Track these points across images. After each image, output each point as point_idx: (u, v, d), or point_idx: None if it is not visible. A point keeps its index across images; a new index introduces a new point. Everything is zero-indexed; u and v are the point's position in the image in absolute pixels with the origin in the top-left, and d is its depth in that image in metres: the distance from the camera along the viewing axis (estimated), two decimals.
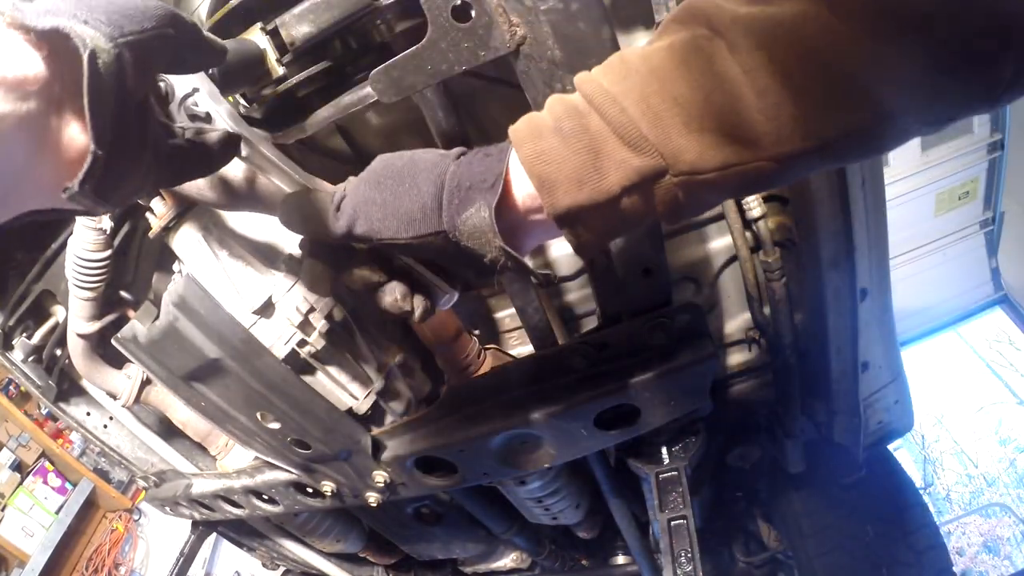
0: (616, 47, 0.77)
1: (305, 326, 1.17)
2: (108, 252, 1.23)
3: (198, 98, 0.76)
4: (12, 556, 4.79)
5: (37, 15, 0.49)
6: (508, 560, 2.51)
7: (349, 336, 1.24)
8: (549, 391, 1.23)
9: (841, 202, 1.18)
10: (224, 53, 0.71)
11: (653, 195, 0.60)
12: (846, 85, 0.51)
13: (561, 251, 1.37)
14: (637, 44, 1.05)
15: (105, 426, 1.77)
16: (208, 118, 0.74)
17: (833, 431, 1.63)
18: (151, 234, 1.16)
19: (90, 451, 5.28)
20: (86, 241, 1.21)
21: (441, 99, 0.97)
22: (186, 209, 1.14)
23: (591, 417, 1.23)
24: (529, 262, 0.68)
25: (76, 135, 0.53)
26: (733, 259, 1.43)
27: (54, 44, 0.50)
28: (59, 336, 1.52)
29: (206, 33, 0.67)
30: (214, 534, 2.26)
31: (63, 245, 1.34)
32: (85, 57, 0.48)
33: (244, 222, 1.20)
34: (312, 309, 1.17)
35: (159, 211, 1.13)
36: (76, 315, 1.34)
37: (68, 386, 1.68)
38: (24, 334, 1.52)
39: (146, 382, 1.50)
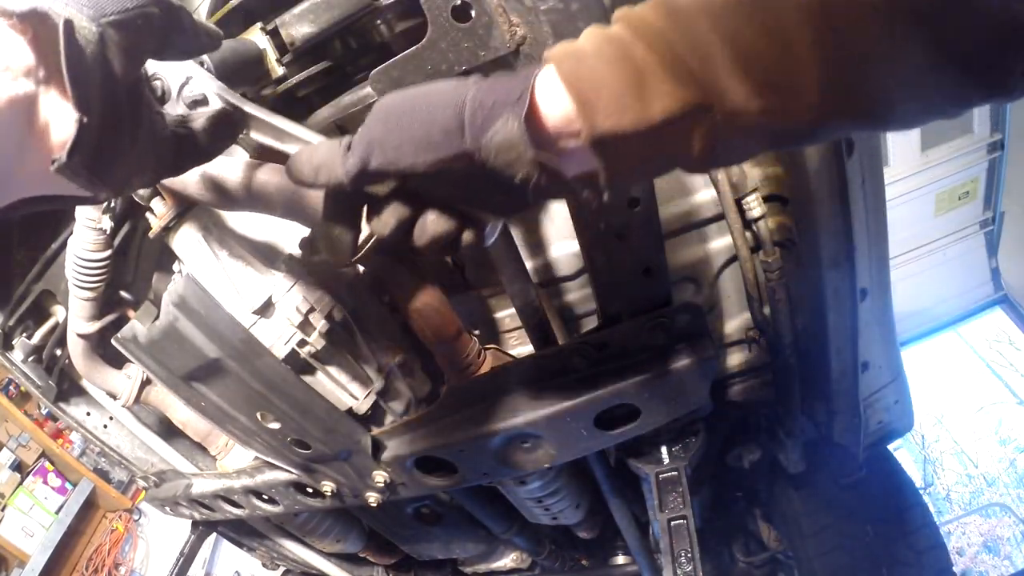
0: None
1: (305, 326, 1.17)
2: (108, 252, 1.23)
3: (192, 85, 0.75)
4: (12, 556, 4.79)
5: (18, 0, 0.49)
6: (508, 560, 2.51)
7: (349, 336, 1.24)
8: (549, 391, 1.23)
9: (841, 202, 1.18)
10: (219, 38, 0.69)
11: (692, 133, 0.58)
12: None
13: (561, 251, 1.37)
14: None
15: (105, 426, 1.77)
16: (205, 100, 0.74)
17: (833, 431, 1.63)
18: (151, 234, 1.16)
19: (90, 451, 5.27)
20: (86, 241, 1.21)
21: None
22: (186, 209, 1.14)
23: (591, 417, 1.23)
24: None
25: (66, 115, 0.52)
26: (733, 259, 1.43)
27: (36, 27, 0.50)
28: (59, 336, 1.52)
29: (197, 19, 0.66)
30: (214, 534, 2.26)
31: (63, 245, 1.34)
32: (60, 26, 0.48)
33: (244, 222, 1.20)
34: (312, 309, 1.17)
35: (159, 211, 1.13)
36: (76, 315, 1.34)
37: (68, 386, 1.68)
38: (24, 334, 1.52)
39: (146, 382, 1.50)
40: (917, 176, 5.32)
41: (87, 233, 1.20)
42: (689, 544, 1.42)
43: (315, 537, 2.13)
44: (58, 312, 1.53)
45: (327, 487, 1.44)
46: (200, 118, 0.69)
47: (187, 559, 2.24)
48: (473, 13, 0.75)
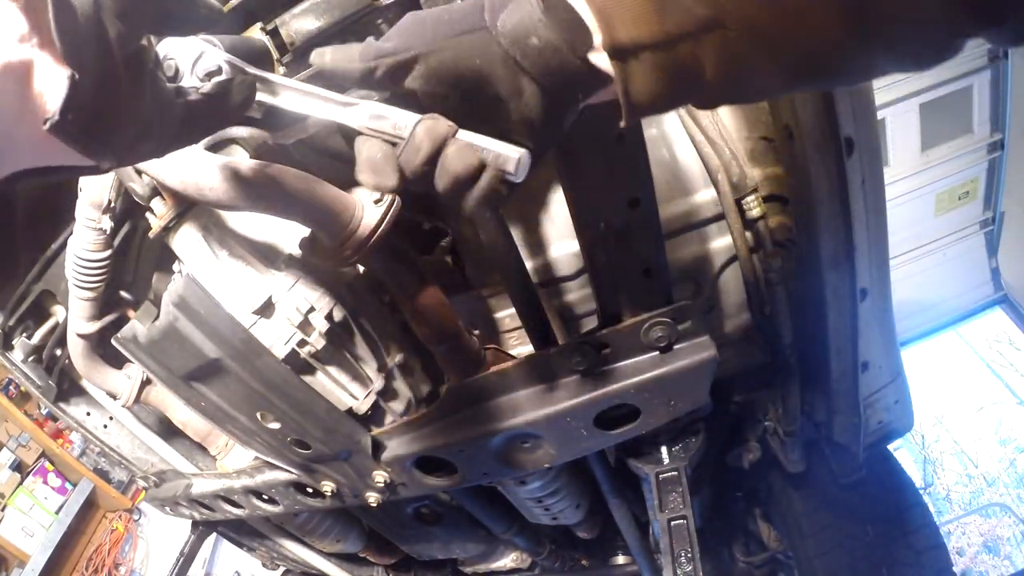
0: None
1: (305, 326, 1.17)
2: (108, 252, 1.23)
3: (205, 59, 0.75)
4: (12, 556, 4.79)
5: None
6: (508, 560, 2.51)
7: (349, 336, 1.24)
8: (549, 391, 1.23)
9: (841, 202, 1.18)
10: (219, 13, 0.68)
11: (706, 51, 0.59)
12: None
13: (561, 251, 1.37)
14: None
15: (105, 426, 1.77)
16: (219, 70, 0.74)
17: (833, 431, 1.63)
18: (151, 234, 1.16)
19: (90, 451, 5.27)
20: (86, 241, 1.21)
21: None
22: (186, 209, 1.14)
23: (591, 417, 1.23)
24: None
25: (60, 79, 0.51)
26: (733, 259, 1.43)
27: None
28: (59, 336, 1.52)
29: None
30: (214, 534, 2.27)
31: (63, 245, 1.34)
32: None
33: (244, 222, 1.20)
34: (312, 309, 1.17)
35: (159, 211, 1.13)
36: (76, 315, 1.34)
37: (68, 386, 1.68)
38: (24, 334, 1.52)
39: (146, 382, 1.50)
40: (917, 176, 5.32)
41: (87, 233, 1.20)
42: (689, 544, 1.42)
43: (315, 537, 2.13)
44: (58, 312, 1.53)
45: (327, 487, 1.44)
46: (210, 84, 0.68)
47: (187, 559, 2.24)
48: None
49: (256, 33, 0.89)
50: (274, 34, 0.89)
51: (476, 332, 1.43)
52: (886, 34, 0.58)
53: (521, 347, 1.43)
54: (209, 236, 1.15)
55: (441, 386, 1.28)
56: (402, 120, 0.68)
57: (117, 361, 1.46)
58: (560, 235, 1.36)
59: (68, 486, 5.24)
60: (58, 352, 1.56)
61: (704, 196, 1.36)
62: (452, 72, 0.65)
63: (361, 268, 1.28)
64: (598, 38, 0.60)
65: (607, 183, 0.96)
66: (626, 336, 1.17)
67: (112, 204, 1.18)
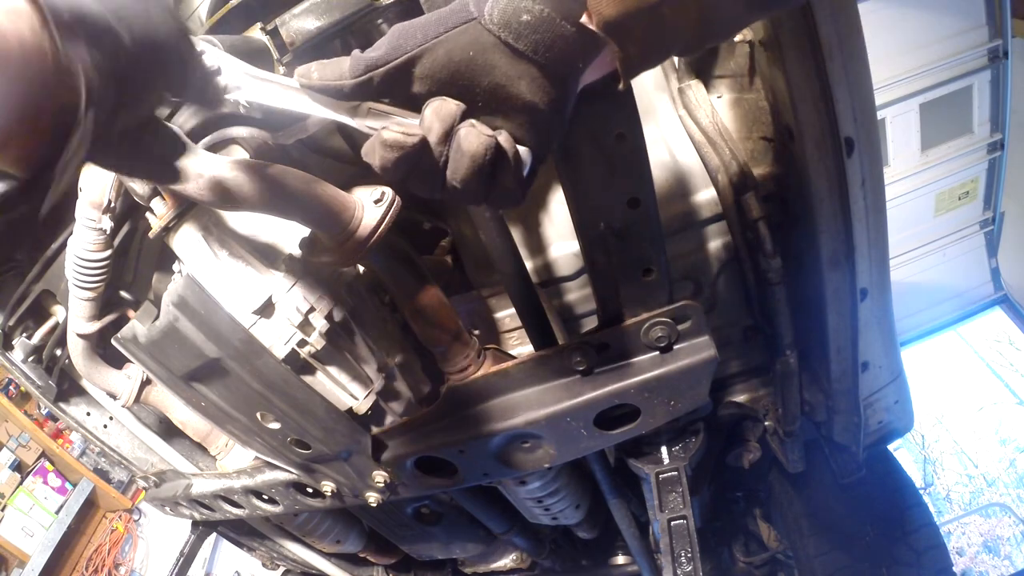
0: None
1: (305, 326, 1.17)
2: (108, 252, 1.23)
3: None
4: (12, 556, 4.79)
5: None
6: (508, 560, 2.51)
7: (349, 336, 1.24)
8: (549, 391, 1.23)
9: (841, 202, 1.18)
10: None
11: (688, 6, 0.60)
12: None
13: (561, 251, 1.37)
14: None
15: (105, 426, 1.77)
16: (219, 71, 0.73)
17: (833, 431, 1.63)
18: (151, 234, 1.16)
19: (90, 451, 5.28)
20: (86, 241, 1.21)
21: None
22: (186, 209, 1.14)
23: (591, 417, 1.23)
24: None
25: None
26: (733, 259, 1.43)
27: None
28: (59, 336, 1.52)
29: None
30: (214, 534, 2.27)
31: (63, 245, 1.34)
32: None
33: (244, 222, 1.20)
34: (312, 309, 1.17)
35: (159, 211, 1.13)
36: (76, 315, 1.34)
37: (68, 386, 1.68)
38: (24, 334, 1.52)
39: (146, 382, 1.50)
40: (917, 176, 5.32)
41: (87, 233, 1.20)
42: (689, 544, 1.42)
43: (315, 537, 2.13)
44: (58, 312, 1.52)
45: (327, 487, 1.44)
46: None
47: (187, 559, 2.24)
48: None
49: (256, 33, 0.89)
50: (274, 34, 0.89)
51: (476, 332, 1.43)
52: None
53: (521, 347, 1.43)
54: (209, 236, 1.15)
55: (441, 386, 1.28)
56: (404, 119, 0.68)
57: (117, 361, 1.46)
58: (560, 235, 1.36)
59: (68, 486, 5.24)
60: (58, 352, 1.56)
61: (704, 196, 1.36)
62: (447, 68, 0.64)
63: (361, 268, 1.28)
64: (588, 13, 0.60)
65: (607, 183, 0.96)
66: (626, 336, 1.17)
67: (112, 204, 1.18)
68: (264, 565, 2.55)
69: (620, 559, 2.53)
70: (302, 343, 1.18)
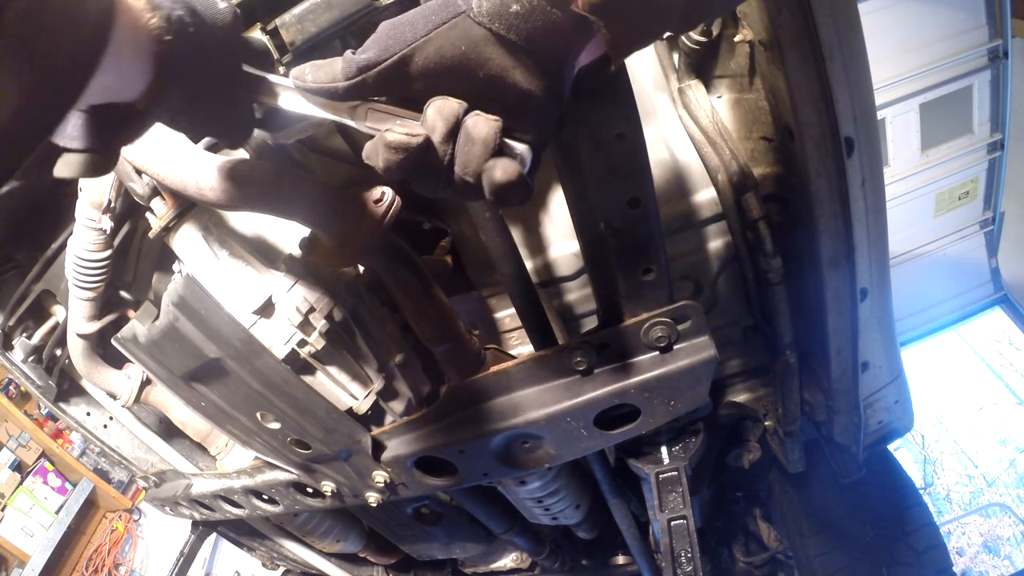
0: None
1: (305, 326, 1.17)
2: (108, 252, 1.23)
3: None
4: (12, 556, 4.80)
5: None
6: (508, 560, 2.51)
7: (349, 336, 1.24)
8: (549, 391, 1.23)
9: (841, 202, 1.18)
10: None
11: None
12: None
13: (561, 251, 1.37)
14: None
15: (105, 426, 1.77)
16: None
17: (833, 431, 1.63)
18: (151, 234, 1.16)
19: (90, 451, 5.28)
20: (86, 241, 1.21)
21: None
22: (186, 209, 1.14)
23: (591, 417, 1.23)
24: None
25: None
26: (733, 259, 1.43)
27: None
28: (59, 336, 1.52)
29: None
30: (214, 534, 2.27)
31: (63, 245, 1.34)
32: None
33: (244, 222, 1.20)
34: (312, 309, 1.17)
35: (159, 211, 1.13)
36: (76, 315, 1.34)
37: (68, 386, 1.68)
38: (24, 334, 1.52)
39: (146, 382, 1.50)
40: (917, 176, 5.32)
41: (87, 233, 1.20)
42: (689, 544, 1.42)
43: (315, 537, 2.13)
44: (58, 312, 1.53)
45: (327, 487, 1.44)
46: None
47: (187, 559, 2.24)
48: None
49: (256, 33, 0.89)
50: (274, 34, 0.89)
51: (476, 332, 1.43)
52: None
53: (521, 347, 1.44)
54: (209, 236, 1.15)
55: (441, 386, 1.28)
56: (404, 117, 0.68)
57: (117, 361, 1.46)
58: (560, 235, 1.36)
59: (68, 486, 5.24)
60: (58, 352, 1.56)
61: (704, 196, 1.36)
62: (440, 65, 0.64)
63: (361, 268, 1.28)
64: None
65: (607, 183, 0.96)
66: (626, 336, 1.17)
67: (112, 204, 1.18)
68: (264, 565, 2.55)
69: (620, 559, 2.53)
70: (302, 343, 1.18)
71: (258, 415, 1.25)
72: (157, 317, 1.10)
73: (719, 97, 1.40)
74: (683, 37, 1.28)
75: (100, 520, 5.54)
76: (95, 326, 1.35)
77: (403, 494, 1.47)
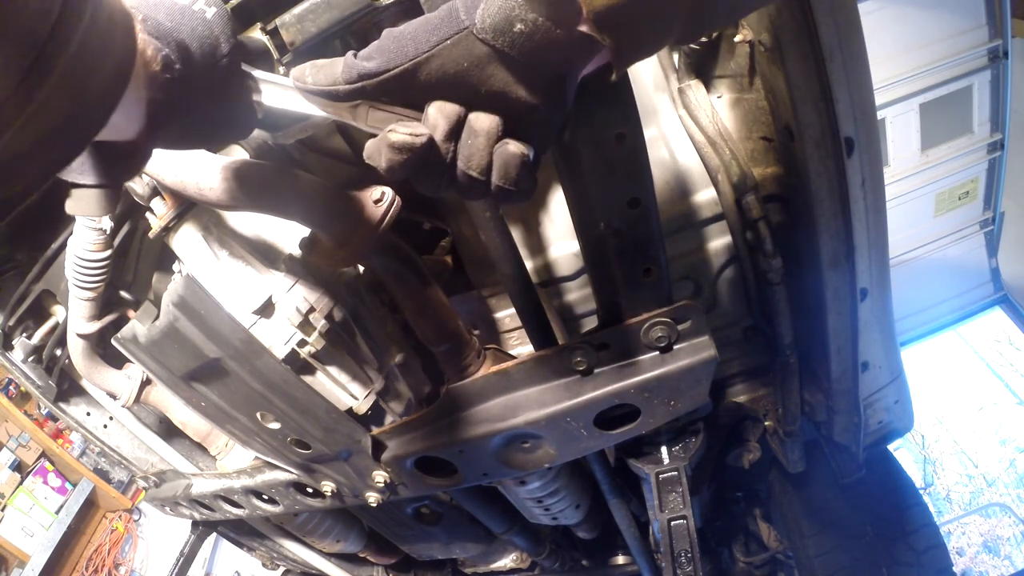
0: None
1: (305, 326, 1.17)
2: (108, 252, 1.23)
3: None
4: (12, 556, 4.80)
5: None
6: (508, 560, 2.51)
7: (349, 336, 1.24)
8: (549, 391, 1.23)
9: (841, 202, 1.18)
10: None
11: None
12: None
13: (561, 251, 1.37)
14: None
15: (105, 426, 1.77)
16: None
17: (833, 431, 1.63)
18: (151, 234, 1.16)
19: (90, 451, 5.28)
20: (86, 241, 1.21)
21: None
22: (186, 209, 1.14)
23: (591, 417, 1.23)
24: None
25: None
26: (733, 259, 1.43)
27: None
28: (59, 336, 1.52)
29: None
30: (214, 534, 2.27)
31: (63, 245, 1.34)
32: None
33: (244, 222, 1.21)
34: (312, 309, 1.17)
35: (159, 211, 1.13)
36: (76, 315, 1.34)
37: (68, 386, 1.68)
38: (24, 334, 1.52)
39: (146, 382, 1.50)
40: (917, 176, 5.32)
41: (87, 233, 1.20)
42: (689, 544, 1.42)
43: (315, 537, 2.13)
44: (58, 312, 1.53)
45: (327, 487, 1.44)
46: None
47: (187, 559, 2.24)
48: None
49: (256, 33, 0.89)
50: (274, 34, 0.89)
51: (476, 332, 1.43)
52: None
53: (521, 347, 1.44)
54: (209, 236, 1.15)
55: (441, 386, 1.28)
56: (405, 116, 0.68)
57: (117, 361, 1.46)
58: (560, 235, 1.36)
59: (68, 486, 5.24)
60: (58, 352, 1.56)
61: (704, 196, 1.36)
62: (442, 81, 0.65)
63: (361, 268, 1.28)
64: (579, 6, 0.59)
65: (607, 183, 0.96)
66: (626, 336, 1.17)
67: None
68: (264, 565, 2.55)
69: (620, 559, 2.53)
70: (302, 343, 1.18)
71: (258, 415, 1.25)
72: (157, 317, 1.09)
73: (719, 97, 1.40)
74: None
75: (100, 520, 5.54)
76: (95, 326, 1.35)
77: (403, 494, 1.47)
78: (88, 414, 1.74)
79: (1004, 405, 7.70)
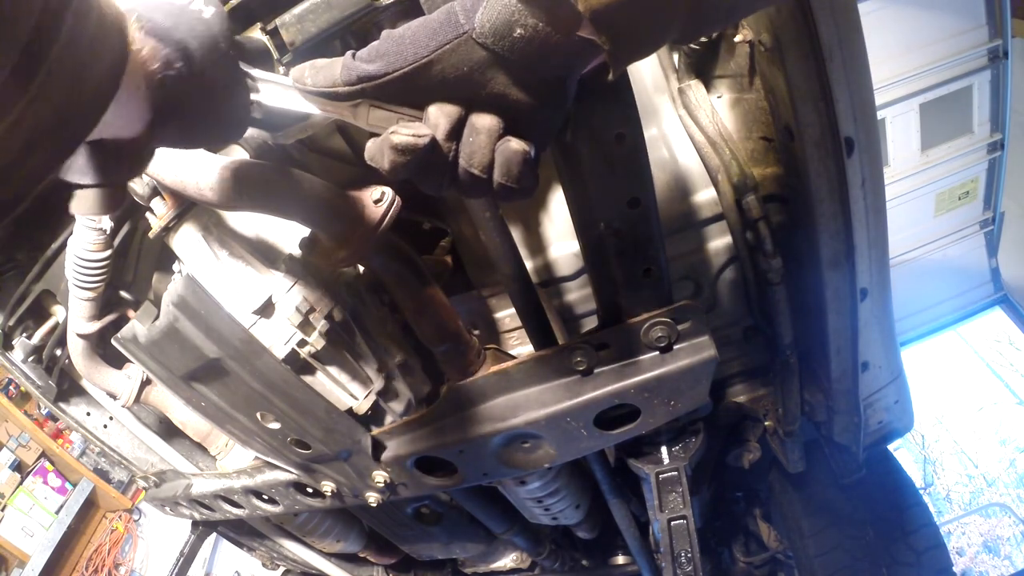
0: None
1: (305, 326, 1.17)
2: (108, 252, 1.23)
3: None
4: (12, 556, 4.80)
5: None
6: (508, 560, 2.51)
7: (349, 336, 1.24)
8: (549, 391, 1.23)
9: (841, 202, 1.18)
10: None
11: None
12: None
13: (561, 251, 1.37)
14: None
15: (105, 426, 1.77)
16: None
17: (833, 431, 1.63)
18: (151, 234, 1.16)
19: (90, 451, 5.28)
20: (86, 241, 1.21)
21: None
22: (186, 209, 1.14)
23: (591, 417, 1.23)
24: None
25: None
26: (733, 259, 1.43)
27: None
28: (59, 336, 1.52)
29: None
30: (214, 534, 2.27)
31: (63, 245, 1.34)
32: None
33: (244, 222, 1.20)
34: (312, 309, 1.17)
35: (159, 211, 1.13)
36: (76, 315, 1.34)
37: (68, 386, 1.68)
38: (24, 334, 1.52)
39: (146, 382, 1.50)
40: (917, 176, 5.32)
41: (87, 233, 1.20)
42: (689, 544, 1.42)
43: (315, 537, 2.13)
44: (58, 312, 1.53)
45: (327, 487, 1.44)
46: None
47: (187, 559, 2.24)
48: None
49: (256, 33, 0.89)
50: (274, 34, 0.89)
51: (476, 332, 1.43)
52: None
53: (521, 347, 1.43)
54: (209, 236, 1.15)
55: (441, 386, 1.28)
56: (406, 115, 0.68)
57: (117, 361, 1.46)
58: (560, 235, 1.36)
59: (68, 486, 5.24)
60: (58, 352, 1.56)
61: (704, 196, 1.36)
62: (442, 84, 0.65)
63: (361, 268, 1.28)
64: (577, 5, 0.59)
65: (607, 183, 0.96)
66: (626, 336, 1.17)
67: None
68: (264, 565, 2.55)
69: (620, 559, 2.53)
70: (302, 343, 1.18)
71: (258, 415, 1.25)
72: (157, 317, 1.09)
73: (719, 97, 1.40)
74: None
75: (100, 520, 5.54)
76: (95, 326, 1.35)
77: (403, 494, 1.47)
78: (88, 414, 1.74)
79: (1004, 405, 7.70)
